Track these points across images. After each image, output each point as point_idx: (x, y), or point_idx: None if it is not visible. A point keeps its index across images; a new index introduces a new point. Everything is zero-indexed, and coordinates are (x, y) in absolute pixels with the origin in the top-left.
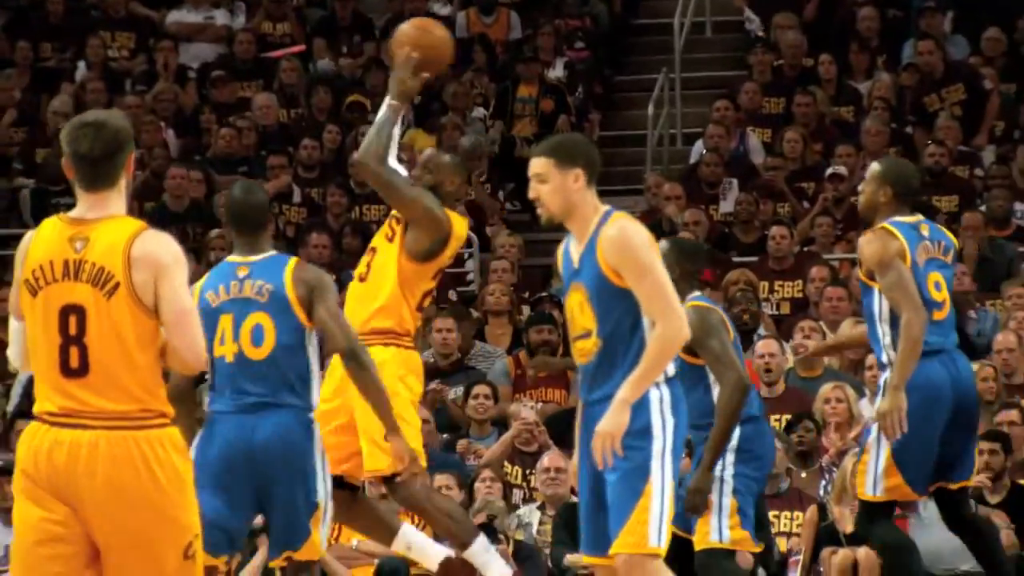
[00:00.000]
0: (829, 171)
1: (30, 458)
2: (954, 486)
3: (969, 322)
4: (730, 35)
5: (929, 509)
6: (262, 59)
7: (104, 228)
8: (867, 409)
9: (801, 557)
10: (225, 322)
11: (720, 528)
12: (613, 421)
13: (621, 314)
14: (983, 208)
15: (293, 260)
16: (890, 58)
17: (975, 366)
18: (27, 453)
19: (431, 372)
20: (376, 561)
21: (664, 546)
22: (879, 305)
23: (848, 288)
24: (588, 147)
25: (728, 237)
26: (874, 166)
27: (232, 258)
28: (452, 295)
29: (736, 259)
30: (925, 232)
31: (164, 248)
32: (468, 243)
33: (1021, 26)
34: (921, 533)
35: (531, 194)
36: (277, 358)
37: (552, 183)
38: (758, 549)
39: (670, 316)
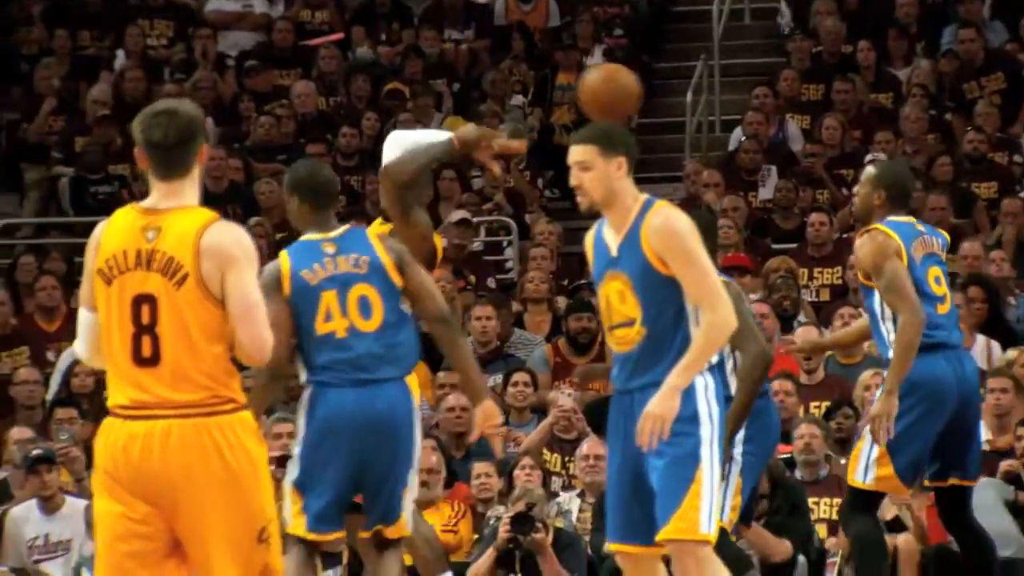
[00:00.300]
0: (868, 158)
1: (107, 454)
2: (954, 483)
3: (1008, 308)
4: (769, 22)
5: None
6: (301, 47)
7: (176, 218)
8: None
9: (838, 558)
10: (329, 299)
11: (724, 507)
12: (665, 405)
13: (665, 303)
14: (1022, 194)
15: (370, 230)
16: (929, 45)
17: (1014, 352)
18: (103, 449)
19: None
20: None
21: (714, 533)
22: (880, 304)
23: None
24: (628, 135)
25: (767, 224)
26: (869, 169)
27: (310, 236)
28: (491, 283)
29: (775, 246)
30: (920, 228)
31: (234, 240)
32: (507, 231)
33: None
34: None
35: (573, 182)
36: (388, 327)
37: (596, 171)
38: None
39: (717, 304)
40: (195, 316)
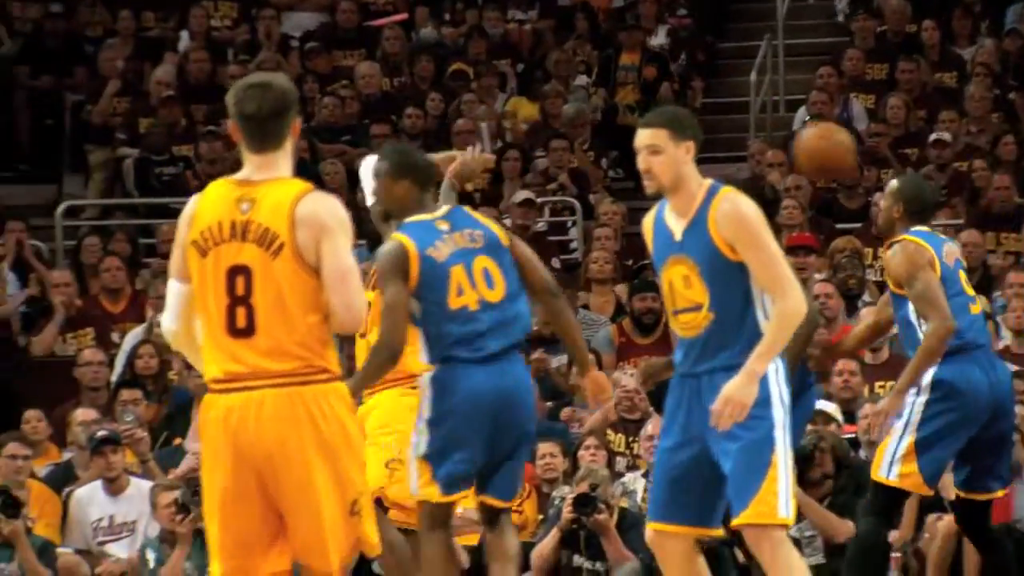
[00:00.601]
0: (932, 137)
1: (208, 428)
2: (980, 497)
3: None
4: (833, 1)
5: None
6: (365, 28)
7: (270, 189)
8: None
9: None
10: (458, 274)
11: None
12: (744, 390)
13: (734, 288)
14: None
15: (466, 206)
16: (993, 24)
17: None
18: (204, 423)
19: (535, 341)
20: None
21: (792, 516)
22: (915, 313)
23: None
24: (695, 120)
25: (832, 204)
26: (892, 183)
27: (419, 217)
28: (555, 263)
29: (840, 226)
30: (941, 236)
31: (328, 209)
32: (571, 211)
33: None
34: None
35: (642, 165)
36: (510, 298)
37: (666, 154)
38: None
39: (788, 289)
40: (290, 286)
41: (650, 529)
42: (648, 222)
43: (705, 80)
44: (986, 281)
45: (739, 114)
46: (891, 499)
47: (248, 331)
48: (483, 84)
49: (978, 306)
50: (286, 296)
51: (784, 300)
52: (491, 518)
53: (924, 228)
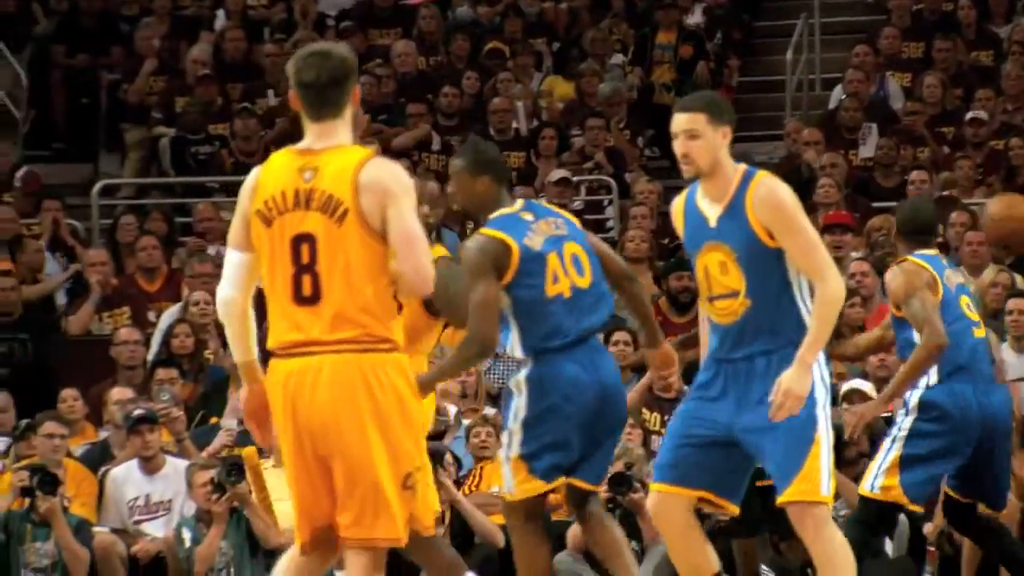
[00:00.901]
0: (969, 116)
1: (272, 394)
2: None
3: None
4: None
5: None
6: (401, 6)
7: (332, 157)
8: (1007, 354)
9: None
10: (553, 261)
11: None
12: (801, 382)
13: (771, 274)
14: None
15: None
16: None
17: None
18: (269, 390)
19: None
20: None
21: (832, 494)
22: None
23: None
24: (730, 104)
25: (868, 182)
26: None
27: (505, 210)
28: None
29: (876, 204)
30: (944, 262)
31: (392, 174)
32: (607, 189)
33: None
34: None
35: (680, 150)
36: (596, 282)
37: (704, 139)
38: None
39: (828, 274)
40: (355, 253)
41: (655, 492)
42: (678, 206)
43: (741, 59)
44: (1020, 263)
45: (775, 93)
46: (879, 513)
47: (313, 299)
48: (519, 63)
49: (982, 331)
50: (350, 263)
51: (825, 284)
52: (579, 502)
53: (930, 251)
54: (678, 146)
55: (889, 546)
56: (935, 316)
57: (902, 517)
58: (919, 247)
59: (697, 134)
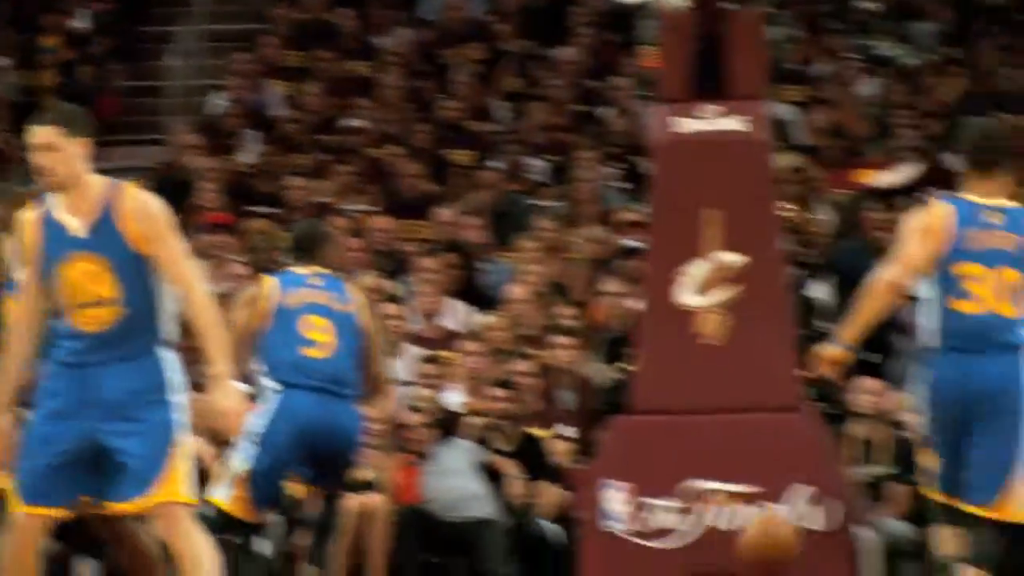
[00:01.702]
0: (347, 124)
1: None
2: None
3: (482, 274)
4: None
5: (448, 455)
6: None
7: None
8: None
9: None
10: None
11: None
12: (233, 396)
13: (144, 281)
14: (495, 163)
15: None
16: (410, 15)
17: (489, 318)
18: None
19: None
20: None
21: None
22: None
23: None
24: (87, 116)
25: (248, 187)
26: None
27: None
28: None
29: (255, 208)
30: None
31: None
32: None
33: None
34: None
35: (38, 162)
36: None
37: (63, 152)
38: None
39: (196, 283)
40: None
41: (24, 513)
42: (32, 219)
43: (126, 64)
44: (399, 266)
45: (159, 98)
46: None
47: None
48: None
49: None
50: None
51: (195, 292)
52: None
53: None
54: (36, 160)
55: None
56: None
57: None
58: (295, 263)
59: (55, 147)
